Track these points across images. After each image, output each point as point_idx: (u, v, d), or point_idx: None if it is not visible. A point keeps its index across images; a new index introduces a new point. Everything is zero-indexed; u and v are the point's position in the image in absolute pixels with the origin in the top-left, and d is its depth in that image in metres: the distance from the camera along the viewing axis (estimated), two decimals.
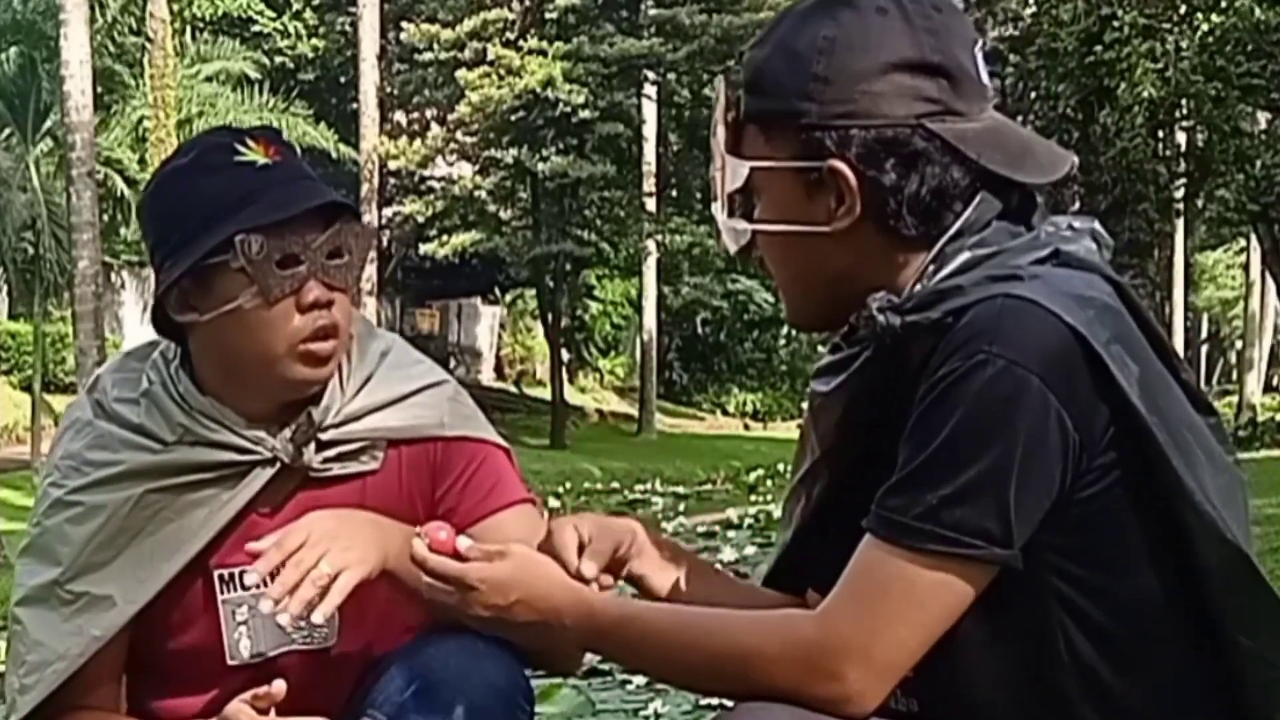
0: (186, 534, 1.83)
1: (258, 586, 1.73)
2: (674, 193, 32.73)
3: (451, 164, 30.67)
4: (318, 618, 1.67)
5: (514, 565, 1.54)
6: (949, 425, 1.38)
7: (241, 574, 1.85)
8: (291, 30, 33.81)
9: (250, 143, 1.83)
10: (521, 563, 1.54)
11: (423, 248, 28.64)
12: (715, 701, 3.95)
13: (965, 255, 1.47)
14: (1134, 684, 1.42)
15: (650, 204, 30.36)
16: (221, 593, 1.87)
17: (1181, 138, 17.97)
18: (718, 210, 1.60)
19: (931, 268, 1.48)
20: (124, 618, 1.81)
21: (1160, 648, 1.43)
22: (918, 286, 1.48)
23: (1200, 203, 18.48)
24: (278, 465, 1.85)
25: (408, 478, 1.91)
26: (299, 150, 1.94)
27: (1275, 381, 39.20)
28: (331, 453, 1.87)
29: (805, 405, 1.65)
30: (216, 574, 1.86)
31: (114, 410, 1.88)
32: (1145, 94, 14.64)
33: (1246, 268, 34.27)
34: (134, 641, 1.85)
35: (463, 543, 1.55)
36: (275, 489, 1.86)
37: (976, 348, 1.38)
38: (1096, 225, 1.55)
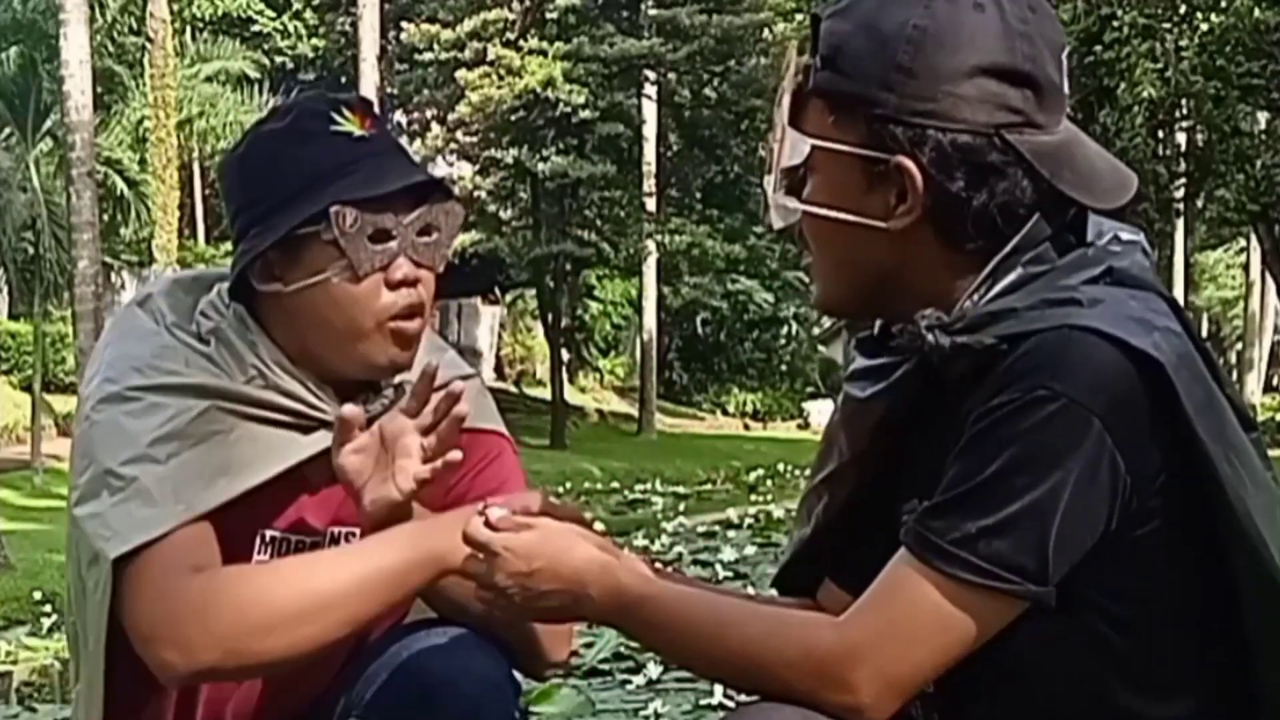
0: (242, 466, 1.75)
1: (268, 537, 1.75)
2: (674, 193, 32.70)
3: (451, 164, 30.66)
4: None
5: (540, 534, 1.51)
6: (1001, 456, 1.34)
7: (283, 539, 1.80)
8: (291, 30, 33.81)
9: (347, 112, 1.80)
10: (547, 533, 1.52)
11: None
12: (715, 701, 3.97)
13: (1017, 273, 1.42)
14: (1162, 715, 1.41)
15: (650, 204, 30.34)
16: (259, 554, 1.82)
17: (1181, 138, 17.96)
18: (769, 183, 1.55)
19: (984, 285, 1.43)
20: (174, 519, 1.69)
21: (1193, 683, 1.41)
22: (967, 303, 1.43)
23: (1200, 203, 18.47)
24: None
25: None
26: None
27: (1275, 381, 39.20)
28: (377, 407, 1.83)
29: (838, 405, 1.61)
30: (260, 533, 1.81)
31: (177, 334, 1.80)
32: (1145, 94, 14.62)
33: (1246, 268, 34.28)
34: None
35: (494, 513, 1.53)
36: (328, 460, 1.77)
37: (1039, 382, 1.34)
38: (1142, 237, 1.51)
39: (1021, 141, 1.41)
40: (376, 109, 1.86)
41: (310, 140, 1.78)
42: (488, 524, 1.52)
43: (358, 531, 1.83)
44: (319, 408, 1.80)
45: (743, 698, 1.48)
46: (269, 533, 1.82)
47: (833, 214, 1.48)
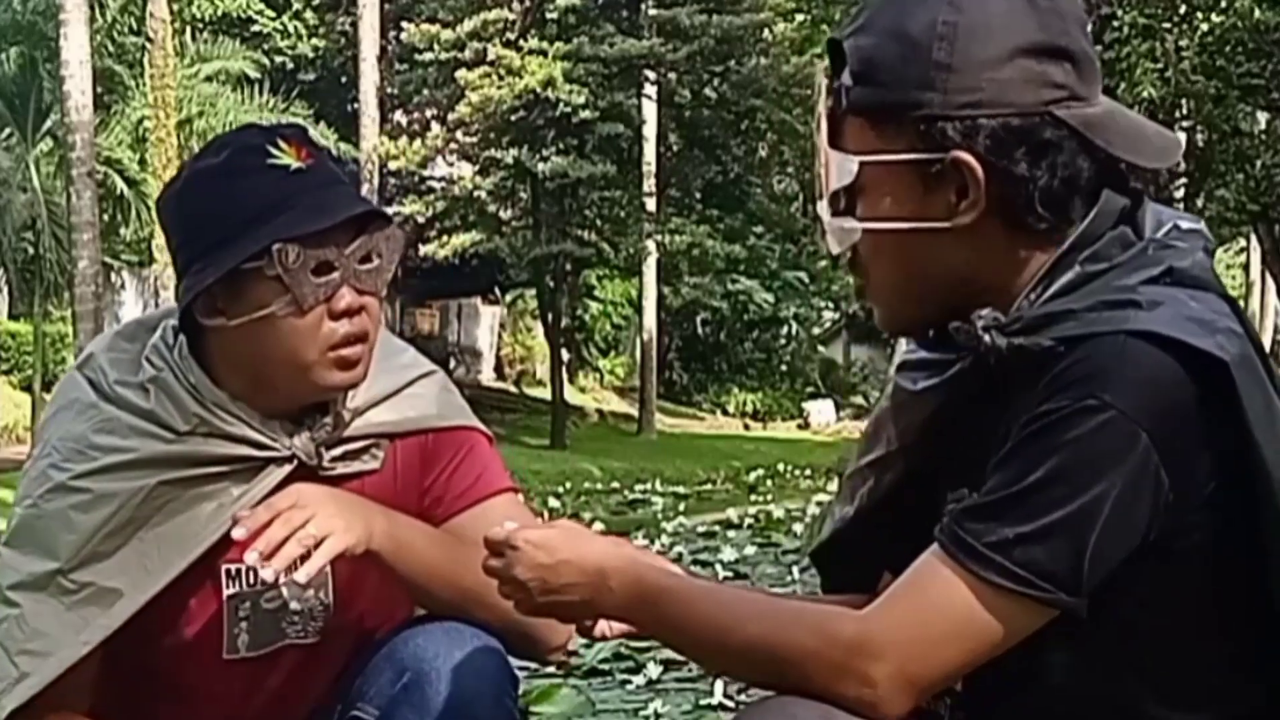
0: (196, 527, 1.80)
1: (236, 572, 1.73)
2: (674, 193, 32.69)
3: (452, 164, 30.66)
4: (300, 578, 1.66)
5: (561, 530, 1.53)
6: (1045, 464, 1.33)
7: (249, 571, 1.83)
8: (291, 30, 33.79)
9: (282, 144, 1.80)
10: (568, 529, 1.54)
11: (423, 248, 28.61)
12: (715, 701, 3.96)
13: (1075, 271, 1.41)
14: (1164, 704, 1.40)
15: (650, 204, 30.33)
16: (227, 588, 1.85)
17: (1181, 138, 17.97)
18: (823, 209, 1.52)
19: (1041, 283, 1.43)
20: (131, 609, 1.78)
21: (1224, 697, 1.41)
22: (1024, 303, 1.43)
23: (1200, 203, 18.47)
24: (293, 464, 1.84)
25: (403, 472, 1.91)
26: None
27: None
28: (338, 451, 1.87)
29: (887, 393, 1.60)
30: (224, 568, 1.84)
31: (117, 394, 1.83)
32: (1145, 94, 14.62)
33: (1246, 268, 34.27)
34: (127, 637, 1.81)
35: (507, 525, 1.57)
36: (285, 486, 1.83)
37: (1089, 391, 1.33)
38: (1203, 227, 1.49)
39: (1071, 115, 1.42)
40: (309, 137, 1.86)
41: (247, 175, 1.79)
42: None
43: None
44: (266, 444, 1.83)
45: (745, 697, 1.48)
46: (231, 567, 1.85)
47: (894, 225, 1.46)
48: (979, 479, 1.40)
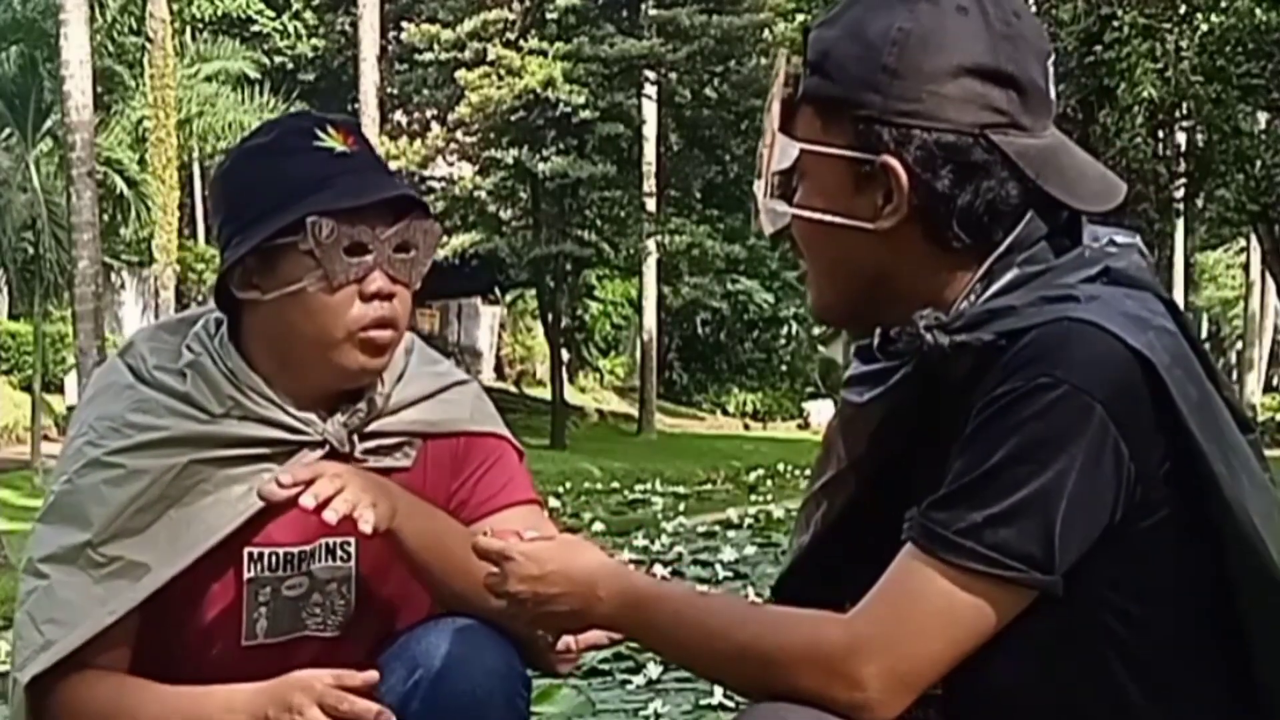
0: (225, 507, 1.82)
1: (258, 555, 1.76)
2: (674, 193, 32.69)
3: (452, 164, 30.66)
4: (330, 516, 1.68)
5: (555, 543, 1.55)
6: (1005, 445, 1.35)
7: (270, 555, 1.85)
8: (291, 30, 33.80)
9: (330, 129, 1.84)
10: (562, 541, 1.56)
11: None
12: (715, 701, 3.96)
13: (1013, 272, 1.43)
14: (1162, 713, 1.40)
15: (650, 204, 30.33)
16: (248, 571, 1.86)
17: (1181, 138, 17.95)
18: (759, 188, 1.56)
19: (979, 285, 1.44)
20: (157, 583, 1.80)
21: (1193, 680, 1.41)
22: (964, 304, 1.44)
23: (1200, 203, 18.48)
24: (325, 449, 1.85)
25: (432, 472, 1.93)
26: None
27: (1275, 381, 39.18)
28: (371, 445, 1.89)
29: (837, 411, 1.62)
30: (246, 552, 1.85)
31: (155, 378, 1.86)
32: (1145, 94, 14.62)
33: (1246, 268, 34.27)
34: (149, 616, 1.83)
35: (527, 533, 1.59)
36: (327, 460, 1.85)
37: (1040, 370, 1.34)
38: (1138, 239, 1.51)
39: (1006, 142, 1.43)
40: (361, 129, 1.90)
41: (292, 155, 1.83)
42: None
43: (351, 541, 1.87)
44: (299, 428, 1.85)
45: (745, 697, 1.48)
46: (254, 550, 1.86)
47: (821, 216, 1.49)
48: (935, 483, 1.40)
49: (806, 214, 1.51)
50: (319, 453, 1.85)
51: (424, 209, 1.86)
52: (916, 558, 1.38)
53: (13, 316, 29.76)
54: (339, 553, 1.89)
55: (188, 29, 30.25)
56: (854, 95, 1.45)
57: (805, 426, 34.92)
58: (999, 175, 1.43)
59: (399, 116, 32.55)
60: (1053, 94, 1.49)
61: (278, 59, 32.70)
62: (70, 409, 26.19)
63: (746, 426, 36.69)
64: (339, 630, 1.90)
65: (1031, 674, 1.41)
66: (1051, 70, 1.50)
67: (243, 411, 1.84)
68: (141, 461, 1.81)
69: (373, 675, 1.72)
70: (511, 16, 28.25)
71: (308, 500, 1.67)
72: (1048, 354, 1.35)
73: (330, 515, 1.66)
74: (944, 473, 1.40)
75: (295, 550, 1.87)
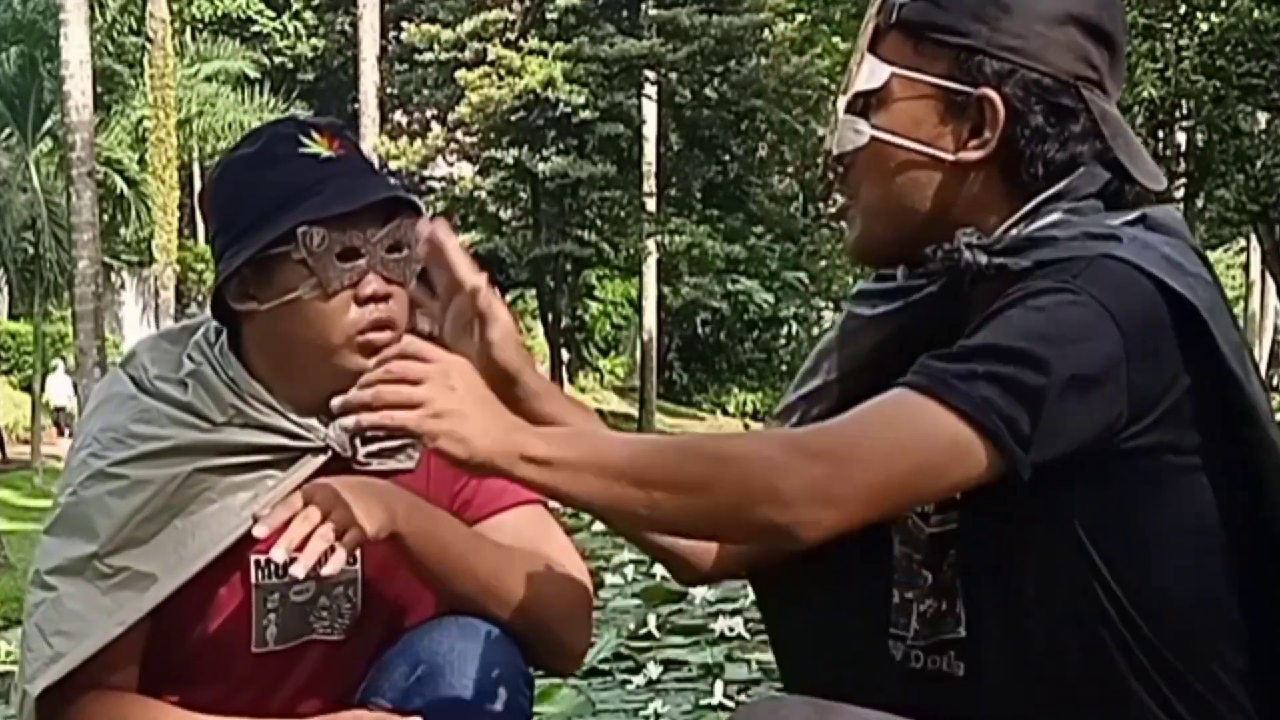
0: (230, 515, 1.82)
1: (266, 563, 1.73)
2: (674, 193, 32.70)
3: (452, 164, 30.67)
4: (329, 570, 1.65)
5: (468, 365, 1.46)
6: (1014, 325, 1.34)
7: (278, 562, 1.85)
8: (291, 30, 33.82)
9: (315, 134, 1.84)
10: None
11: None
12: (715, 701, 3.96)
13: (1058, 214, 1.43)
14: (1166, 675, 1.39)
15: (650, 204, 30.34)
16: (256, 578, 1.86)
17: (1181, 138, 17.96)
18: (841, 104, 1.53)
19: (1024, 222, 1.44)
20: (163, 593, 1.79)
21: (1207, 653, 1.40)
22: (1010, 232, 1.44)
23: (1200, 203, 18.47)
24: (328, 454, 1.85)
25: (435, 475, 1.92)
26: None
27: (1275, 381, 39.19)
28: (374, 447, 1.88)
29: (837, 324, 1.60)
30: (253, 559, 1.85)
31: (157, 388, 1.86)
32: (1145, 94, 14.64)
33: (1246, 268, 34.29)
34: (157, 625, 1.83)
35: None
36: (318, 478, 1.83)
37: (1065, 280, 1.35)
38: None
39: (1094, 99, 1.45)
40: (346, 131, 1.89)
41: (278, 163, 1.82)
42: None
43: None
44: (300, 434, 1.84)
45: (745, 698, 1.47)
46: (260, 558, 1.86)
47: (902, 141, 1.48)
48: None
49: (888, 138, 1.48)
50: (321, 459, 1.85)
51: (414, 208, 1.85)
52: (905, 391, 1.34)
53: (13, 316, 29.79)
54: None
55: (188, 29, 30.28)
56: (960, 24, 1.45)
57: None
58: (1084, 128, 1.44)
59: (399, 116, 32.57)
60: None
61: (278, 59, 32.72)
62: (58, 409, 26.19)
63: (746, 426, 36.69)
64: (346, 633, 1.90)
65: (1052, 621, 1.39)
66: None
67: (244, 419, 1.84)
68: (145, 472, 1.81)
69: None
70: (511, 16, 28.26)
71: (278, 555, 1.64)
72: (1077, 273, 1.35)
73: (298, 570, 1.62)
74: None
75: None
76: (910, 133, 1.47)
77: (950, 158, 1.45)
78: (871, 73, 1.49)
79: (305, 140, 1.83)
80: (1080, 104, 1.44)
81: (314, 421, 1.85)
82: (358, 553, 1.87)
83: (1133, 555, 1.38)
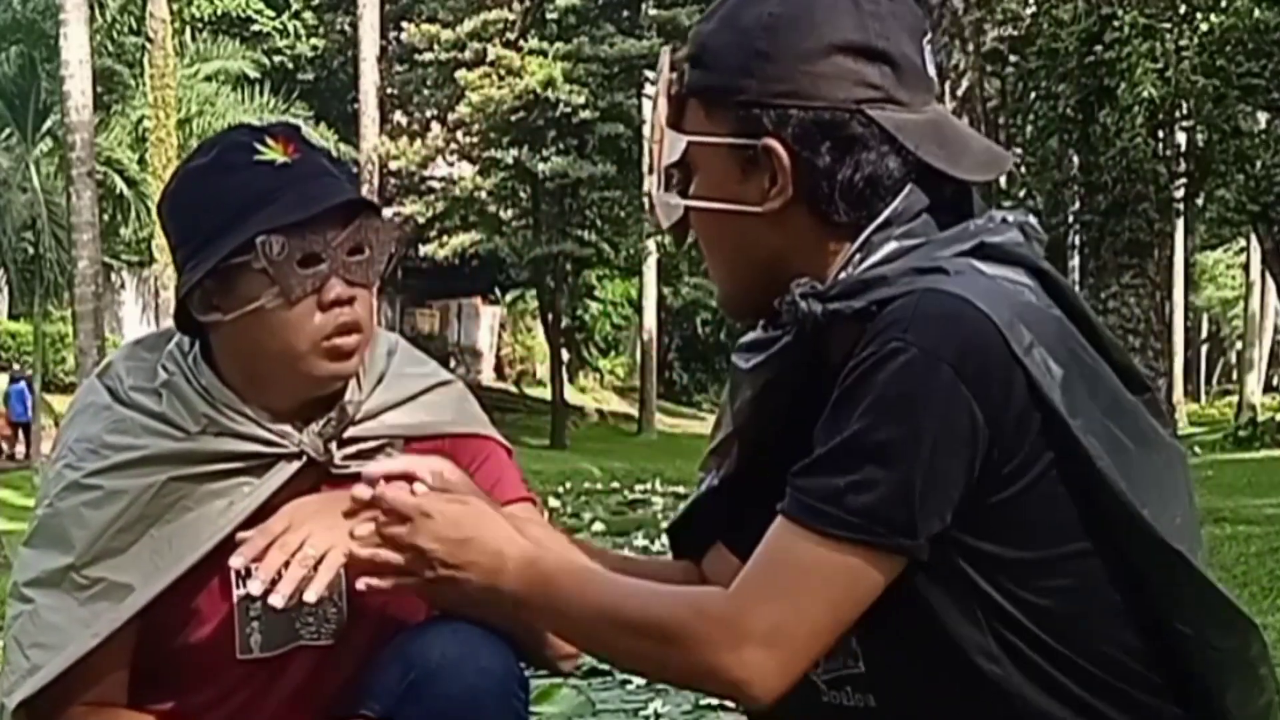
0: (206, 523, 1.81)
1: (245, 573, 1.71)
2: None
3: (452, 164, 30.68)
4: (310, 597, 1.64)
5: (470, 508, 1.54)
6: (858, 411, 1.36)
7: (259, 568, 1.85)
8: (291, 30, 33.82)
9: (270, 141, 1.82)
10: (478, 508, 1.55)
11: (423, 248, 28.66)
12: (715, 702, 3.95)
13: (891, 245, 1.45)
14: (1072, 674, 1.40)
15: None
16: (237, 586, 1.85)
17: (1181, 138, 17.95)
18: (652, 184, 1.59)
19: (857, 256, 1.46)
20: (140, 603, 1.79)
21: (1099, 638, 1.41)
22: (843, 274, 1.46)
23: (1200, 203, 18.47)
24: (303, 460, 1.85)
25: None
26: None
27: (1275, 381, 39.22)
28: (351, 450, 1.88)
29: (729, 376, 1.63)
30: (236, 570, 1.82)
31: (132, 398, 1.86)
32: (1145, 94, 14.62)
33: (1246, 268, 34.31)
34: (141, 636, 1.83)
35: (420, 488, 1.56)
36: (295, 485, 1.84)
37: (891, 335, 1.36)
38: (1031, 219, 1.53)
39: (883, 116, 1.46)
40: (302, 134, 1.87)
41: (233, 172, 1.80)
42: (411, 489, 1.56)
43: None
44: (274, 441, 1.84)
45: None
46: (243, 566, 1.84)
47: (711, 205, 1.52)
48: (810, 452, 1.42)
49: (698, 204, 1.54)
50: (296, 464, 1.84)
51: (374, 208, 1.85)
52: (788, 528, 1.39)
53: (13, 316, 29.80)
54: None
55: (187, 29, 30.27)
56: (731, 82, 1.48)
57: None
58: (878, 149, 1.45)
59: (399, 117, 32.55)
60: (931, 70, 1.52)
61: (278, 59, 32.71)
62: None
63: None
64: (334, 638, 1.89)
65: (944, 654, 1.41)
66: (929, 47, 1.53)
67: (218, 428, 1.83)
68: (119, 482, 1.81)
69: None
70: (511, 16, 28.28)
71: (254, 587, 1.63)
72: (899, 320, 1.37)
73: (276, 601, 1.62)
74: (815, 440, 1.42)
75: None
76: (717, 194, 1.51)
77: (759, 209, 1.48)
78: (671, 146, 1.54)
79: (260, 147, 1.81)
80: (868, 126, 1.45)
81: (288, 428, 1.85)
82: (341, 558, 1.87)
83: (1020, 574, 1.39)
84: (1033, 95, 17.96)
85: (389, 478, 1.58)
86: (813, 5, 1.47)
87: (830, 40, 1.46)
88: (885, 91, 1.46)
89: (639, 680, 4.22)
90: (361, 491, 1.57)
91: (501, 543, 1.51)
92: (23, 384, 26.55)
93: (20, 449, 26.14)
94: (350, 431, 1.88)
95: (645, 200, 1.65)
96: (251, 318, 1.79)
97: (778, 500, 1.42)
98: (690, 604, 1.41)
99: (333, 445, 1.86)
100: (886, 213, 1.46)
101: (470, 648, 1.78)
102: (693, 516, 1.72)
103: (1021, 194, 16.67)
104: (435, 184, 30.61)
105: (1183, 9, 15.44)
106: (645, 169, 1.62)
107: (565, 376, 30.81)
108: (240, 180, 1.79)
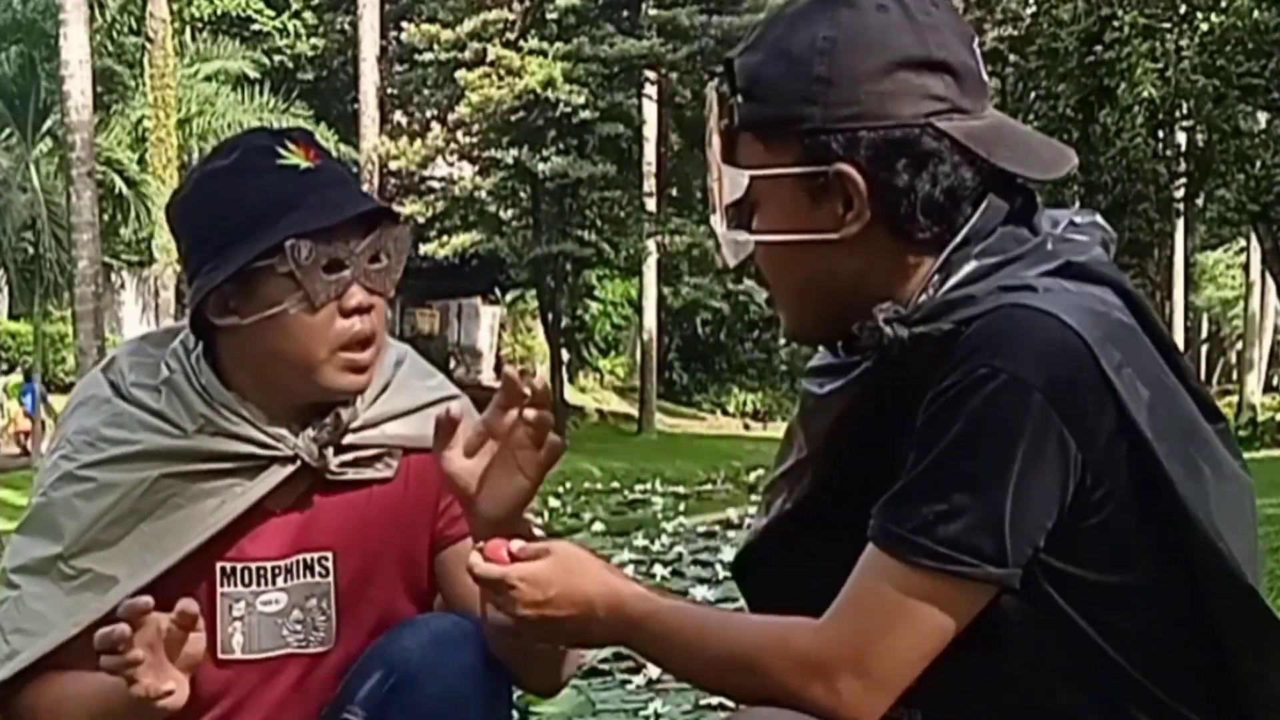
0: (196, 521, 1.82)
1: (229, 571, 1.75)
2: (674, 193, 32.72)
3: (452, 164, 30.67)
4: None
5: (554, 560, 1.53)
6: (946, 439, 1.35)
7: (243, 569, 1.85)
8: (291, 30, 33.80)
9: (291, 145, 1.81)
10: (561, 558, 1.53)
11: (423, 248, 28.64)
12: (715, 701, 3.95)
13: (972, 265, 1.43)
14: (1136, 698, 1.40)
15: (650, 204, 30.35)
16: (221, 585, 1.86)
17: (1181, 138, 17.97)
18: (717, 223, 1.56)
19: (937, 277, 1.44)
20: (123, 595, 1.76)
21: (1168, 665, 1.40)
22: (923, 297, 1.44)
23: (1200, 203, 18.49)
24: (297, 464, 1.85)
25: (415, 487, 1.91)
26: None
27: (1275, 381, 39.19)
28: (348, 457, 1.88)
29: (799, 401, 1.63)
30: (219, 566, 1.85)
31: (132, 394, 1.87)
32: (1145, 94, 14.64)
33: (1246, 268, 34.29)
34: None
35: (515, 544, 1.55)
36: (288, 488, 1.86)
37: (980, 360, 1.35)
38: (1099, 219, 1.52)
39: (952, 127, 1.44)
40: (317, 141, 1.87)
41: (257, 175, 1.80)
42: (511, 557, 1.54)
43: (330, 555, 1.87)
44: (269, 443, 1.84)
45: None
46: (226, 565, 1.86)
47: (783, 237, 1.50)
48: (895, 478, 1.41)
49: (770, 238, 1.51)
50: (289, 468, 1.85)
51: (393, 217, 1.85)
52: (877, 558, 1.38)
53: (13, 316, 29.78)
54: (317, 568, 1.87)
55: (187, 29, 30.25)
56: (793, 112, 1.46)
57: None
58: (952, 160, 1.44)
59: (399, 116, 32.54)
60: (984, 74, 1.51)
61: (278, 59, 32.69)
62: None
63: (746, 426, 36.71)
64: (322, 646, 1.89)
65: (1007, 673, 1.41)
66: (979, 51, 1.52)
67: (215, 428, 1.83)
68: (112, 475, 1.82)
69: None
70: (511, 16, 28.26)
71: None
72: (987, 343, 1.35)
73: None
74: (903, 467, 1.41)
75: (269, 565, 1.86)
76: (788, 226, 1.49)
77: (836, 236, 1.46)
78: (733, 183, 1.51)
79: (282, 151, 1.80)
80: (940, 139, 1.44)
81: (284, 431, 1.85)
82: (330, 565, 1.87)
83: (1106, 598, 1.39)
84: (1032, 95, 17.97)
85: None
86: (867, 24, 1.45)
87: (892, 58, 1.44)
88: (951, 102, 1.45)
89: (639, 680, 4.22)
90: (473, 560, 1.56)
91: (587, 590, 1.51)
92: (36, 384, 26.53)
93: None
94: (349, 439, 1.88)
95: (714, 242, 1.60)
96: (270, 322, 1.79)
97: (853, 524, 1.41)
98: (777, 639, 1.42)
99: (328, 451, 1.86)
100: (965, 230, 1.45)
101: (451, 648, 1.77)
102: (756, 545, 1.68)
103: None
104: (435, 184, 30.59)
105: (1183, 9, 15.45)
106: (708, 209, 1.58)
107: (565, 376, 30.80)
108: (265, 184, 1.79)
